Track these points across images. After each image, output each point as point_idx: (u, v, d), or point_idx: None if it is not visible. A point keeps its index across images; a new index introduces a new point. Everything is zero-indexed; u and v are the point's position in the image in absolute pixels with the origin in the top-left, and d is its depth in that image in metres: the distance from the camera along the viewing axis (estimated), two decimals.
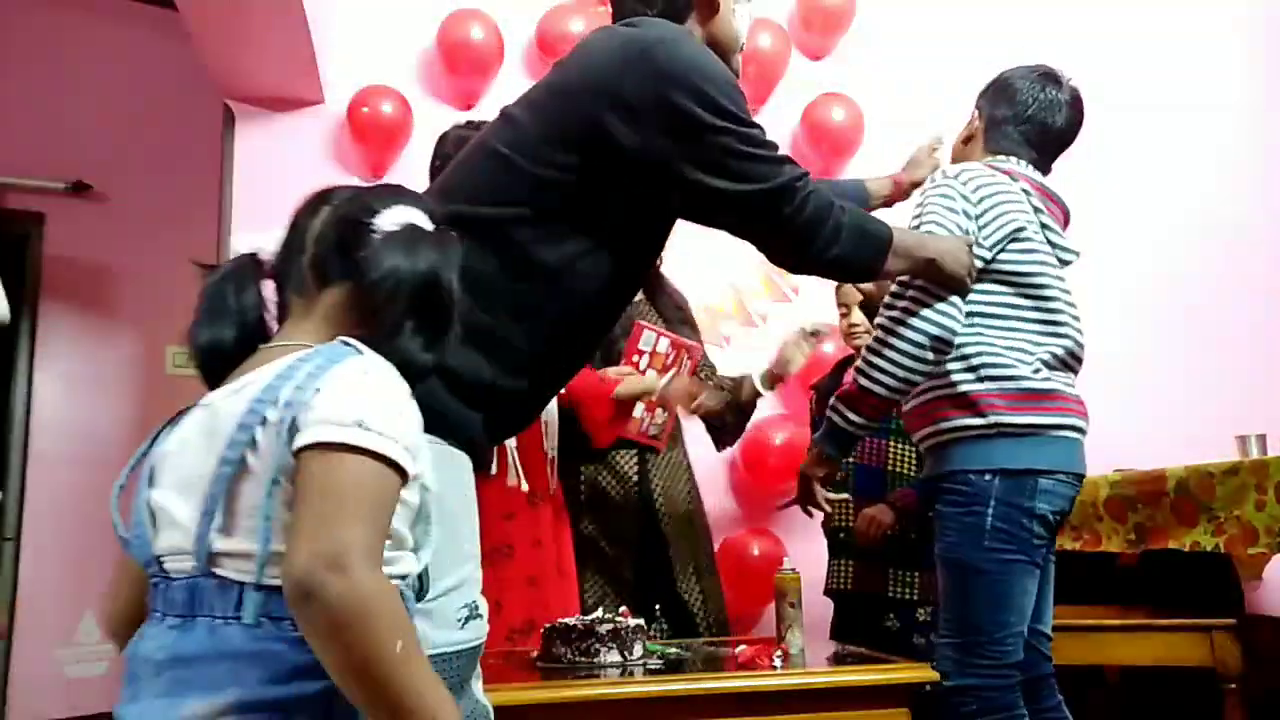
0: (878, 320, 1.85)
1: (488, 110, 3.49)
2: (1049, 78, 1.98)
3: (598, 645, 1.90)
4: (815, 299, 3.48)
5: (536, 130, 1.42)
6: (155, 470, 1.06)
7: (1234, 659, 2.29)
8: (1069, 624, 2.48)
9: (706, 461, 2.92)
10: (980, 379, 1.81)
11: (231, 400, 1.02)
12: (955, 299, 1.78)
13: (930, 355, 1.78)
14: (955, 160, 2.05)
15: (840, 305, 2.75)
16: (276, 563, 0.94)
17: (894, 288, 1.84)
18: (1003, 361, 1.81)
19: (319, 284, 1.12)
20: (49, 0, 4.33)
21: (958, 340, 1.80)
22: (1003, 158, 1.96)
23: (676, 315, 2.72)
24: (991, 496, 1.78)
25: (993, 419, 1.79)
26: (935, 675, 1.81)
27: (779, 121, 3.61)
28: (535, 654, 1.99)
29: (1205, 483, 2.35)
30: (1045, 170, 1.99)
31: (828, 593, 2.75)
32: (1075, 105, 1.98)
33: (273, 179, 3.22)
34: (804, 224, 1.50)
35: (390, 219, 1.12)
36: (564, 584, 2.38)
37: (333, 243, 1.12)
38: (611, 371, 2.51)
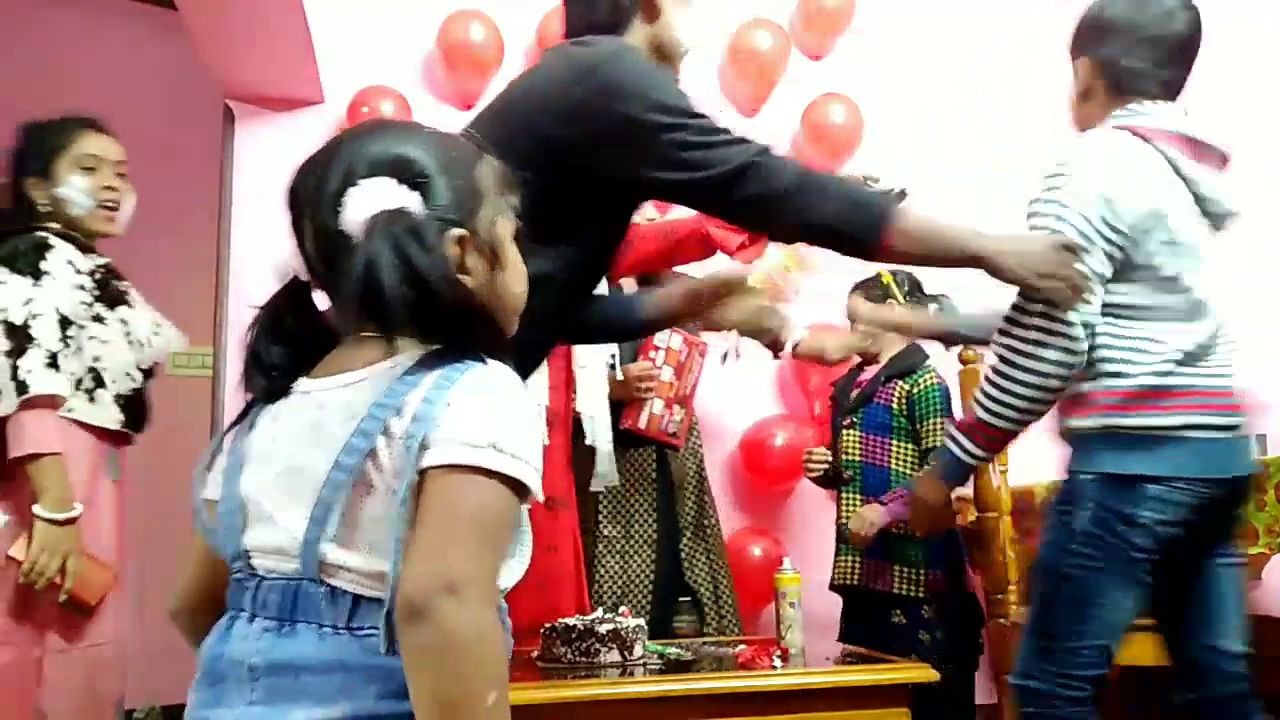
0: (994, 348, 1.70)
1: None
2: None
3: (598, 645, 1.90)
4: (815, 298, 3.49)
5: (493, 150, 1.44)
6: (245, 458, 0.99)
7: None
8: None
9: (707, 461, 2.93)
10: (1094, 376, 1.66)
11: (340, 395, 0.95)
12: (1073, 317, 1.60)
13: (1054, 384, 1.63)
14: (1080, 123, 1.83)
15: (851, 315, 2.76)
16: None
17: (1009, 310, 1.68)
18: (1118, 357, 1.64)
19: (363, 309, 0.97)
20: (49, 0, 4.33)
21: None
22: (1135, 104, 1.73)
23: None
24: (1088, 499, 1.64)
25: (1100, 420, 1.65)
26: (935, 675, 1.81)
27: (779, 121, 3.61)
28: (535, 654, 1.99)
29: None
30: (1178, 92, 1.75)
31: (834, 587, 2.76)
32: (1187, 4, 1.75)
33: (273, 179, 3.21)
34: (776, 194, 1.51)
35: (356, 210, 0.95)
36: (579, 590, 2.39)
37: (325, 258, 0.98)
38: (634, 368, 2.54)
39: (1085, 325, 1.63)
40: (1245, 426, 1.71)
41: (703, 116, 1.52)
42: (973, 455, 1.74)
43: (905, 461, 2.68)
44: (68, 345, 1.97)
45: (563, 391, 2.39)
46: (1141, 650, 2.49)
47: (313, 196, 1.01)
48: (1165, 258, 1.66)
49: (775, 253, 3.53)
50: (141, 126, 4.41)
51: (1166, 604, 1.73)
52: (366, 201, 0.95)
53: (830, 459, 2.79)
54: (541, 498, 0.94)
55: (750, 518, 3.35)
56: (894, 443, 2.69)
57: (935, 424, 2.66)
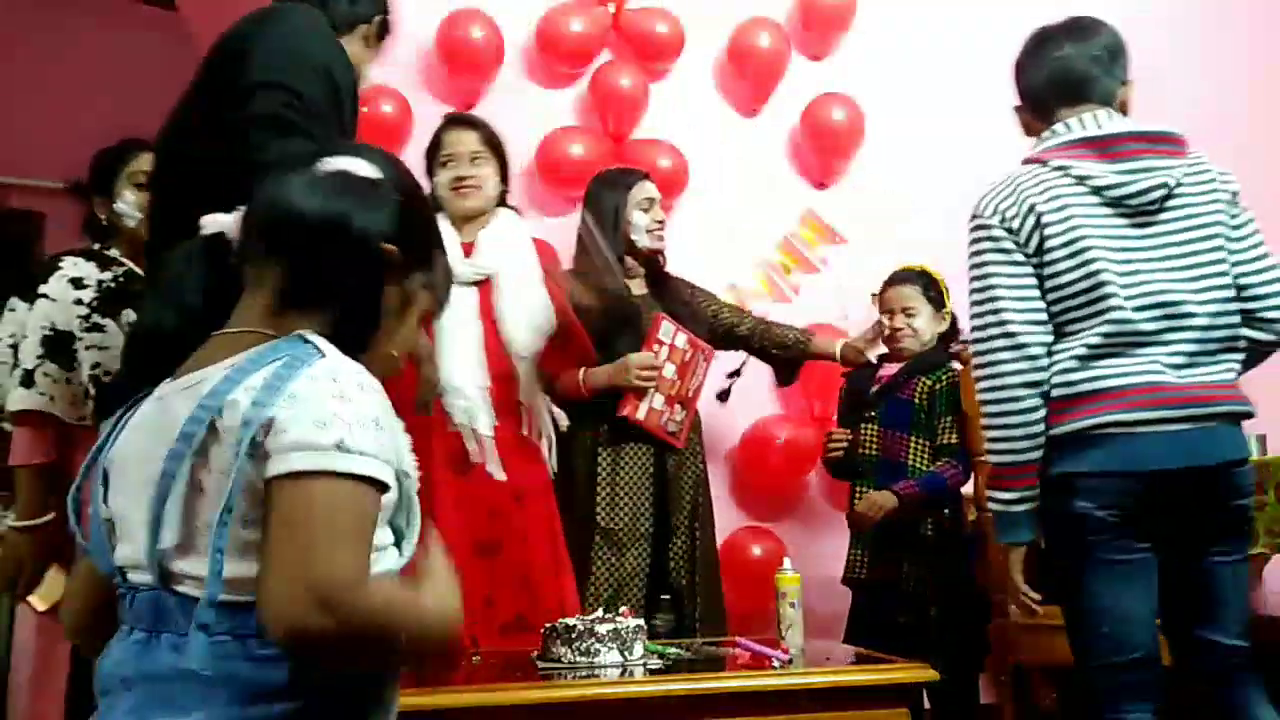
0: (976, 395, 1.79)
1: (488, 110, 3.50)
2: (1032, 42, 1.91)
3: (598, 645, 1.90)
4: (816, 299, 3.49)
5: None
6: (109, 472, 0.98)
7: None
8: None
9: (709, 460, 2.92)
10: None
11: (181, 398, 0.94)
12: (1013, 335, 1.70)
13: (1026, 402, 1.70)
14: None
15: (884, 311, 2.82)
16: (238, 583, 0.88)
17: (971, 347, 1.82)
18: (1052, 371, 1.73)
19: (267, 251, 0.99)
20: (50, 0, 4.33)
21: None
22: (1047, 134, 1.83)
23: (684, 311, 2.76)
24: (1043, 508, 1.75)
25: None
26: (935, 675, 1.81)
27: (779, 121, 3.61)
28: (535, 654, 1.99)
29: None
30: (1089, 101, 1.81)
31: (846, 581, 2.79)
32: (1043, 43, 1.88)
33: None
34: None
35: (326, 165, 1.00)
36: (560, 580, 2.39)
37: (264, 201, 1.00)
38: (635, 358, 2.54)
39: (1040, 344, 1.71)
40: (1211, 417, 1.72)
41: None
42: (1011, 502, 1.76)
43: (922, 457, 2.69)
44: (57, 361, 2.09)
45: (507, 382, 2.38)
46: None
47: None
48: (1064, 264, 1.71)
49: (775, 252, 3.54)
50: (141, 127, 4.42)
51: (1165, 601, 1.75)
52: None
53: (850, 441, 2.78)
54: (393, 485, 0.93)
55: (750, 517, 3.35)
56: (912, 438, 2.70)
57: (950, 421, 2.68)
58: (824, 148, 3.53)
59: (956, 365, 2.75)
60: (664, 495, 2.61)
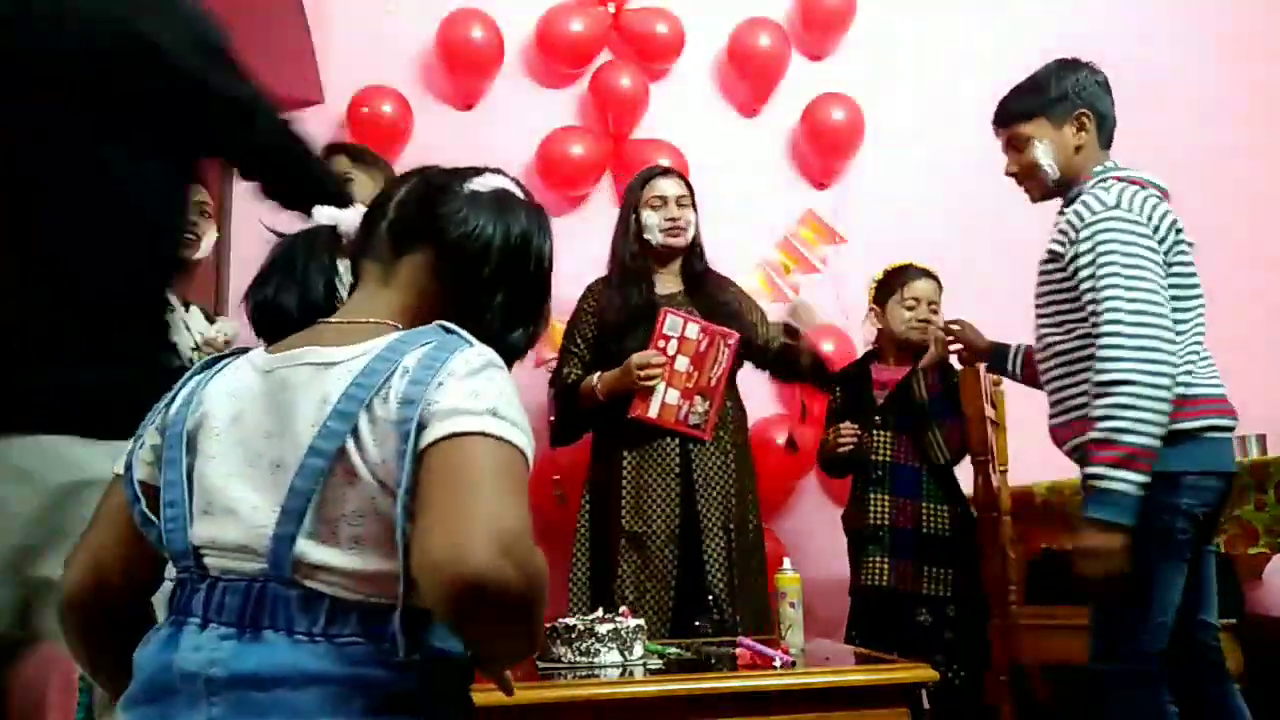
0: (1100, 376, 1.77)
1: (488, 110, 3.50)
2: (1080, 65, 2.05)
3: (598, 645, 1.90)
4: (816, 299, 3.48)
5: None
6: (197, 438, 0.90)
7: (1235, 659, 2.29)
8: (1070, 624, 2.47)
9: None
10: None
11: (308, 374, 0.88)
12: (1169, 329, 1.77)
13: (1170, 394, 1.75)
14: (1066, 173, 2.01)
15: (909, 298, 2.78)
16: (379, 580, 0.83)
17: (1104, 343, 1.79)
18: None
19: (398, 249, 1.00)
20: None
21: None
22: (1110, 163, 1.98)
23: (722, 309, 2.71)
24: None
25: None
26: (935, 675, 1.81)
27: (779, 121, 3.62)
28: (535, 654, 1.99)
29: None
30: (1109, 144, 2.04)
31: (858, 589, 2.72)
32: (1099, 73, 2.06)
33: None
34: None
35: (481, 183, 1.03)
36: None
37: (416, 203, 1.02)
38: (635, 358, 2.53)
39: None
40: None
41: None
42: (1139, 484, 1.74)
43: (940, 455, 2.67)
44: None
45: None
46: None
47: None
48: (1182, 279, 1.86)
49: (775, 252, 3.54)
50: None
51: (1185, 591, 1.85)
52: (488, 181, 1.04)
53: (858, 438, 2.74)
54: (530, 464, 0.89)
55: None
56: (928, 437, 2.68)
57: (957, 422, 2.67)
58: (824, 148, 3.53)
59: (957, 366, 2.74)
60: (691, 494, 2.58)
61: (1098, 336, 1.79)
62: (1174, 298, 1.83)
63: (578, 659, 1.90)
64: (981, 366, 2.50)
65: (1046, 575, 2.73)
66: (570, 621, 1.93)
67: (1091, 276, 1.82)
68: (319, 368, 0.88)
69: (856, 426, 2.74)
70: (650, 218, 2.70)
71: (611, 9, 3.49)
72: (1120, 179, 1.92)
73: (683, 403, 2.58)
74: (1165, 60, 3.72)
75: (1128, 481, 1.73)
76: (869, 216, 3.52)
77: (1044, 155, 2.01)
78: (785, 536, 3.26)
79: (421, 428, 0.82)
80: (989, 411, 2.63)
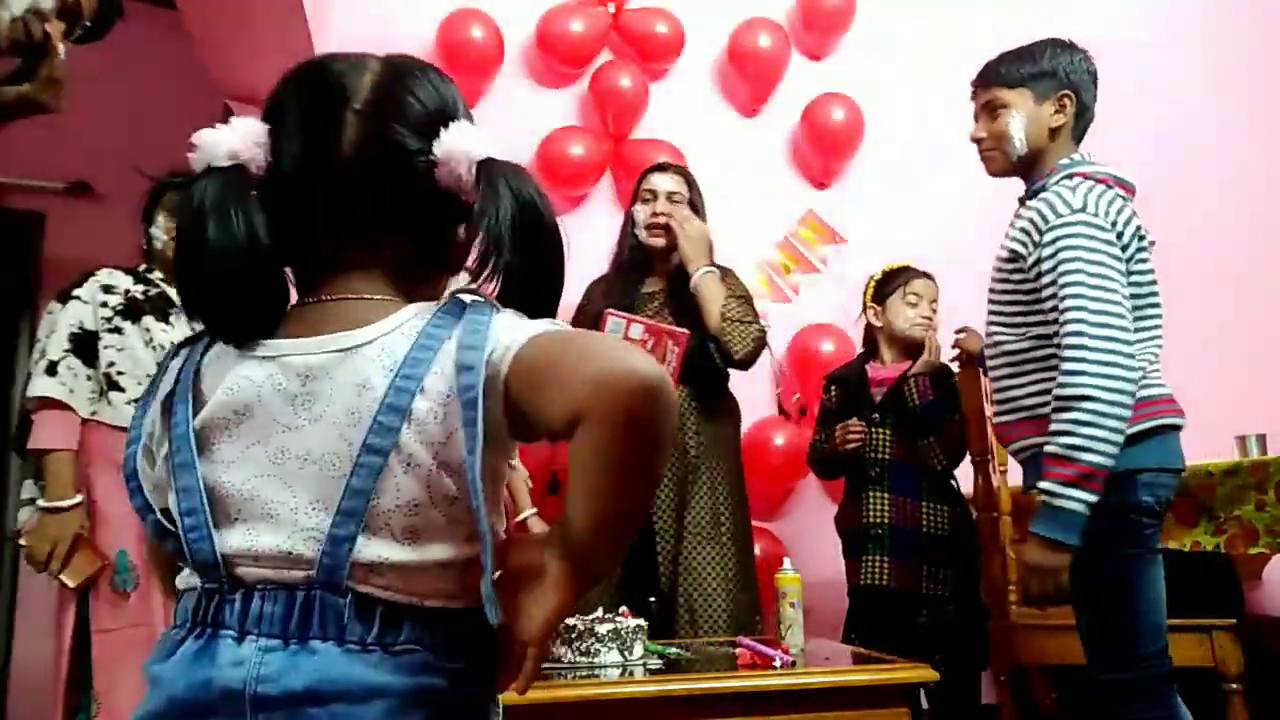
0: (1062, 390, 1.73)
1: (488, 110, 3.50)
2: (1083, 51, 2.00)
3: (598, 645, 1.90)
4: (816, 298, 3.49)
5: None
6: (209, 441, 0.82)
7: (1235, 659, 2.29)
8: (1070, 624, 2.47)
9: None
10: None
11: (334, 360, 0.81)
12: (1129, 344, 1.71)
13: (1128, 412, 1.71)
14: (1033, 151, 1.95)
15: (911, 294, 2.78)
16: (436, 574, 0.79)
17: (1062, 339, 1.75)
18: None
19: (377, 226, 0.87)
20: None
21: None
22: (1079, 155, 1.92)
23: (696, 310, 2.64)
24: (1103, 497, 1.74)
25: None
26: (935, 675, 1.81)
27: (779, 121, 3.62)
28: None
29: (1205, 483, 2.35)
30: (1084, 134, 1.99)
31: (857, 589, 2.71)
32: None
33: None
34: None
35: (461, 144, 0.86)
36: None
37: (387, 177, 0.86)
38: None
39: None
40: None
41: None
42: (1088, 504, 1.71)
43: (934, 458, 2.67)
44: (81, 357, 2.24)
45: None
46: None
47: (390, 103, 0.87)
48: (1144, 284, 1.82)
49: (775, 252, 3.54)
50: (141, 126, 4.42)
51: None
52: (473, 141, 0.86)
53: (862, 436, 2.72)
54: None
55: (750, 517, 3.34)
56: (928, 440, 2.68)
57: (958, 420, 2.67)
58: (824, 148, 3.53)
59: (955, 366, 2.75)
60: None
61: (1061, 348, 1.75)
62: (1135, 303, 1.78)
63: (578, 659, 1.90)
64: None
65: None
66: (570, 621, 1.93)
67: (1054, 284, 1.77)
68: (345, 353, 0.81)
69: (863, 425, 2.73)
70: (639, 213, 2.69)
71: (611, 9, 3.49)
72: (1087, 175, 1.86)
73: None
74: (1165, 63, 3.73)
75: (1079, 500, 1.69)
76: (869, 216, 3.52)
77: (1017, 127, 1.94)
78: (785, 536, 3.26)
79: (493, 375, 0.78)
80: (989, 411, 2.63)
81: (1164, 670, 1.77)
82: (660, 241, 2.68)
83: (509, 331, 0.80)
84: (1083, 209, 1.78)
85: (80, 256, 4.29)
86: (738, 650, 2.02)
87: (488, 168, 0.84)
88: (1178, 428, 1.85)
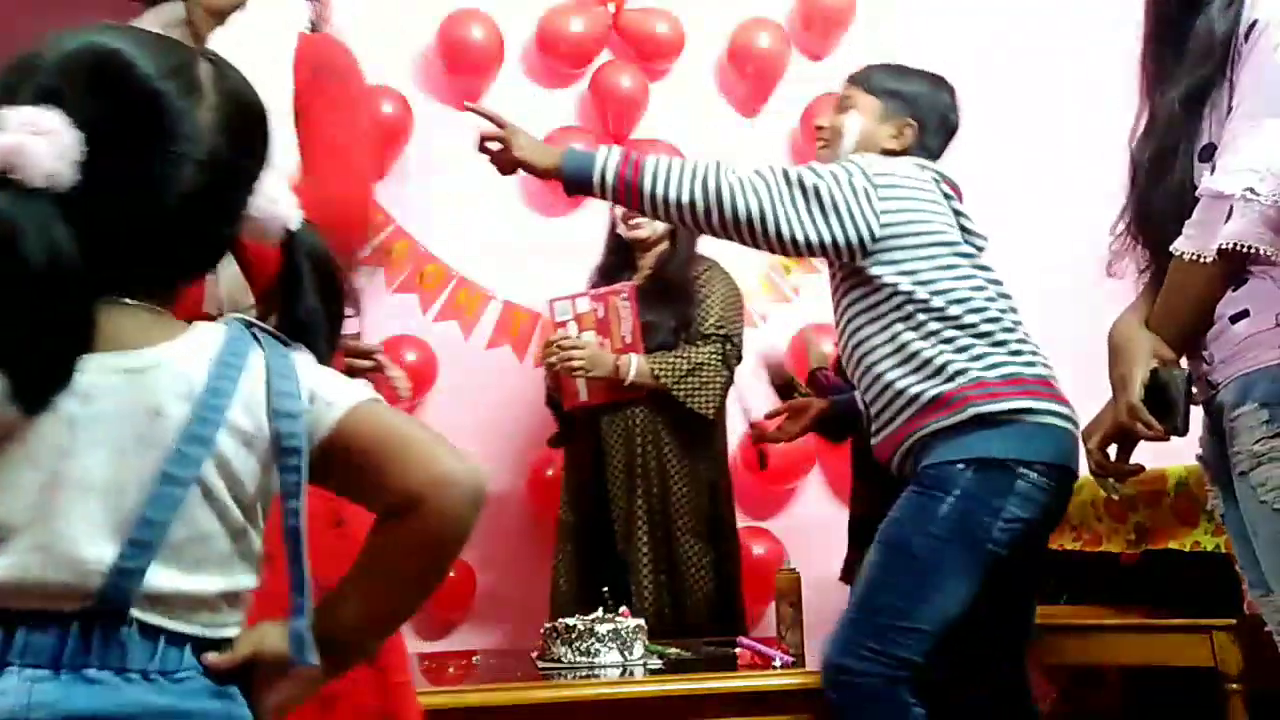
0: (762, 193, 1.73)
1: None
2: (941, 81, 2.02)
3: (598, 645, 1.90)
4: (816, 298, 3.48)
5: None
6: None
7: (1234, 659, 2.29)
8: (1069, 624, 2.48)
9: None
10: (951, 376, 1.76)
11: (118, 382, 0.76)
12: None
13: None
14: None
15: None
16: (216, 603, 0.79)
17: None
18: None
19: (171, 262, 0.83)
20: (49, 0, 4.33)
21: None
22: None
23: (676, 295, 2.66)
24: (957, 485, 1.67)
25: (971, 411, 1.72)
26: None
27: (779, 121, 3.61)
28: (535, 654, 1.99)
29: (1205, 483, 2.35)
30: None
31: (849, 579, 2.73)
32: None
33: None
34: None
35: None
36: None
37: (207, 228, 0.83)
38: (544, 354, 2.54)
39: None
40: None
41: None
42: (606, 179, 1.73)
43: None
44: None
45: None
46: (1141, 650, 2.49)
47: (232, 166, 0.84)
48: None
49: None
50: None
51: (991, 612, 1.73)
52: (286, 204, 0.89)
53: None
54: None
55: (750, 517, 3.35)
56: None
57: None
58: None
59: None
60: (604, 491, 2.54)
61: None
62: (955, 249, 1.86)
63: (578, 659, 1.90)
64: None
65: (1046, 575, 2.73)
66: (570, 621, 1.94)
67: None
68: (130, 374, 0.76)
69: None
70: (620, 207, 2.69)
71: (611, 9, 3.49)
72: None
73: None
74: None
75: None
76: None
77: (852, 129, 1.93)
78: (785, 536, 3.26)
79: (310, 428, 0.81)
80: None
81: (906, 675, 1.64)
82: (639, 234, 2.72)
83: (323, 386, 0.83)
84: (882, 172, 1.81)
85: None
86: (738, 650, 2.02)
87: (293, 238, 0.87)
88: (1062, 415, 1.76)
